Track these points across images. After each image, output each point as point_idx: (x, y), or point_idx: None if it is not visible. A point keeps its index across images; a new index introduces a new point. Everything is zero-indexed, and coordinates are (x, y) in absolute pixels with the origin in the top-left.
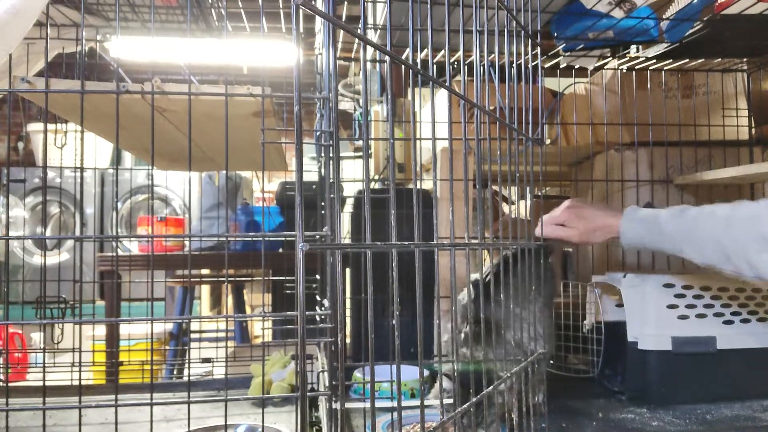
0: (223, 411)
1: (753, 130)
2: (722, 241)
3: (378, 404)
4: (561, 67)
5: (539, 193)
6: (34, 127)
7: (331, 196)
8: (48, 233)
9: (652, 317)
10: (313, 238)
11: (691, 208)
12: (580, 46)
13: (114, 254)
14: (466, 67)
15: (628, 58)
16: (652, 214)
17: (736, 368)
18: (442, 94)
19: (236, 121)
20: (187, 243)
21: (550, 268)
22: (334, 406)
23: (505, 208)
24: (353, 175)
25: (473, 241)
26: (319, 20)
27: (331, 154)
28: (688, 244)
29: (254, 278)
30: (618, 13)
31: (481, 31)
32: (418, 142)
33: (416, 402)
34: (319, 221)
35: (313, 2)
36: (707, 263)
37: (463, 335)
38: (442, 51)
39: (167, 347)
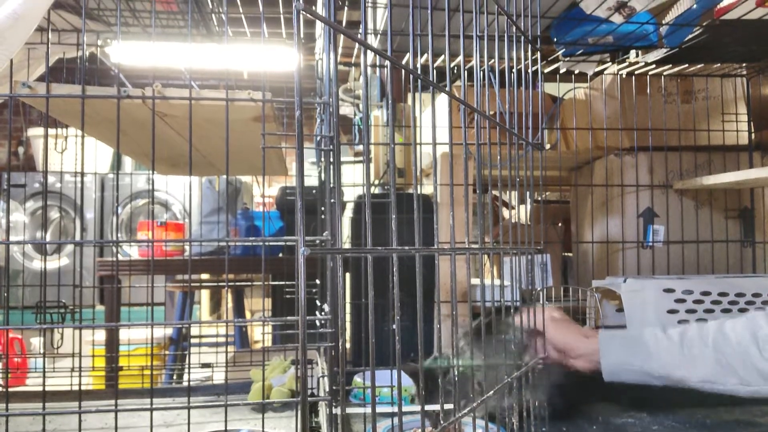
0: (223, 416)
1: (752, 135)
2: (721, 353)
3: (378, 409)
4: (561, 72)
5: (539, 198)
6: (35, 132)
7: (332, 200)
8: (48, 238)
9: (652, 322)
10: (313, 242)
11: (671, 328)
12: (580, 51)
13: (114, 259)
14: (466, 72)
15: (627, 63)
16: (632, 335)
17: None
18: (442, 99)
19: (237, 126)
20: (187, 248)
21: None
22: (334, 411)
23: (506, 212)
24: (353, 180)
25: (473, 246)
26: (319, 25)
27: (331, 159)
28: (684, 361)
29: (254, 283)
30: (617, 18)
31: (481, 36)
32: (418, 146)
33: (416, 407)
34: (319, 226)
35: (314, 7)
36: (706, 379)
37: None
38: (442, 56)
39: (167, 352)
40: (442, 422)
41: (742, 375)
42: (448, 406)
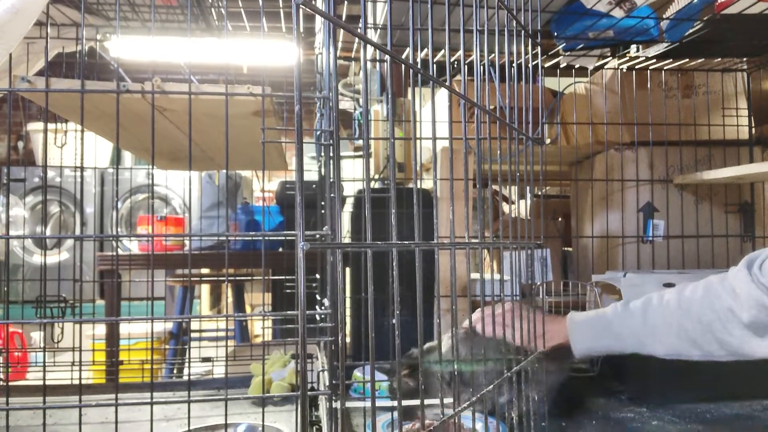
0: (223, 410)
1: (753, 130)
2: (684, 327)
3: (378, 403)
4: (561, 66)
5: (539, 193)
6: (34, 127)
7: (332, 195)
8: (48, 232)
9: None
10: (313, 237)
11: (634, 303)
12: (580, 46)
13: (114, 253)
14: (466, 66)
15: (628, 58)
16: (597, 315)
17: (736, 367)
18: (442, 94)
19: (236, 121)
20: (187, 242)
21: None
22: (334, 405)
23: (506, 207)
24: (353, 175)
25: (473, 240)
26: (319, 20)
27: (331, 154)
28: (650, 340)
29: (254, 277)
30: (618, 13)
31: (482, 31)
32: (418, 141)
33: (416, 401)
34: (319, 220)
35: (314, 2)
36: (672, 353)
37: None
38: (443, 50)
39: (167, 346)
40: (419, 414)
41: (706, 348)
42: (448, 401)
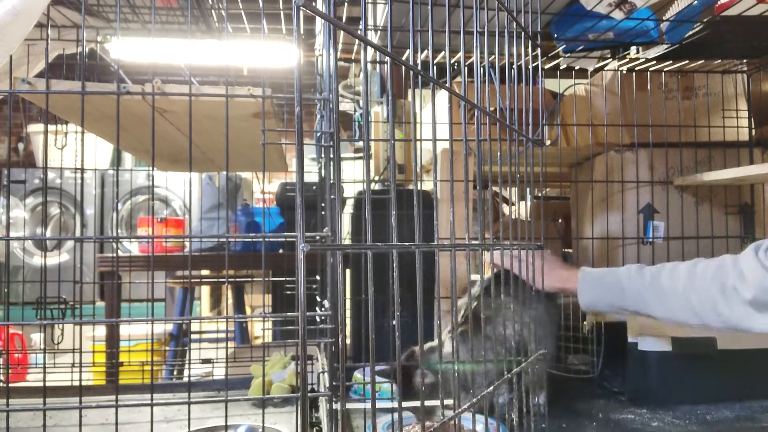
0: (223, 412)
1: (753, 132)
2: (687, 296)
3: (378, 405)
4: (561, 68)
5: (539, 194)
6: (35, 128)
7: (332, 197)
8: (48, 234)
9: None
10: (313, 238)
11: (648, 267)
12: (580, 48)
13: (114, 255)
14: (466, 68)
15: (628, 60)
16: (610, 273)
17: (736, 369)
18: (442, 95)
19: (237, 122)
20: (187, 244)
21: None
22: (334, 406)
23: (506, 209)
24: (353, 176)
25: (474, 242)
26: (319, 21)
27: (331, 155)
28: (653, 300)
29: (254, 279)
30: (618, 15)
31: (482, 33)
32: (418, 143)
33: (416, 403)
34: (319, 222)
35: (314, 3)
36: (673, 319)
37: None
38: (443, 52)
39: (167, 348)
40: (423, 417)
41: (703, 318)
42: (448, 402)
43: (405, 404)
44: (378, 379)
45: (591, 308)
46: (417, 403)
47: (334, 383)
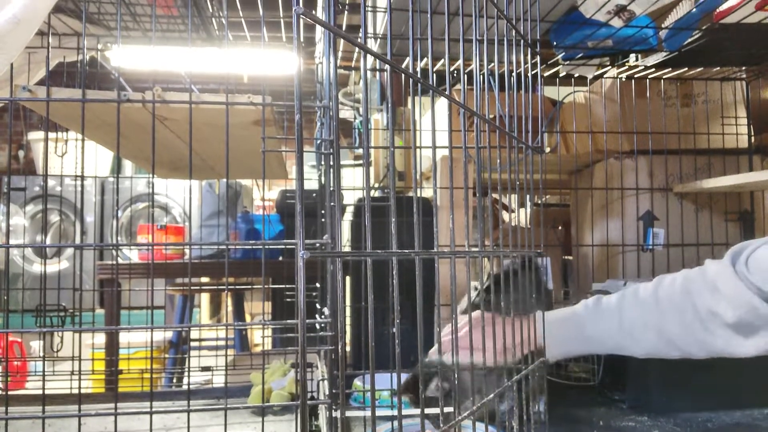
0: (222, 420)
1: (752, 139)
2: (662, 328)
3: (378, 413)
4: (560, 75)
5: (539, 202)
6: (35, 136)
7: (332, 204)
8: (48, 241)
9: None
10: (313, 245)
11: (604, 298)
12: (580, 55)
13: (114, 262)
14: (465, 75)
15: (627, 67)
16: (570, 318)
17: (737, 376)
18: (442, 103)
19: (237, 130)
20: (187, 251)
21: (544, 284)
22: (334, 414)
23: (506, 216)
24: (353, 183)
25: (473, 249)
26: (319, 29)
27: (331, 163)
28: (625, 340)
29: (254, 286)
30: (617, 22)
31: (481, 40)
32: (418, 150)
33: (416, 410)
34: (319, 229)
35: (314, 11)
36: (653, 354)
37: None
38: (442, 60)
39: (167, 355)
40: (441, 425)
41: (685, 349)
42: (448, 410)
43: (405, 412)
44: (378, 386)
45: (558, 359)
46: (417, 411)
47: (333, 391)
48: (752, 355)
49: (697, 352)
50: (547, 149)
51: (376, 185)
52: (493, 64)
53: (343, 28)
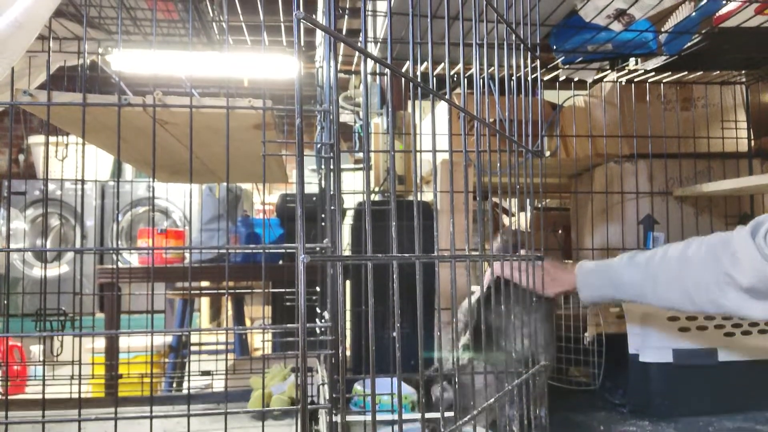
0: (222, 424)
1: (752, 142)
2: (683, 283)
3: (378, 417)
4: (560, 79)
5: (539, 205)
6: (36, 140)
7: (332, 208)
8: (48, 245)
9: (653, 329)
10: (313, 250)
11: (640, 253)
12: (579, 59)
13: (114, 266)
14: (465, 79)
15: (627, 71)
16: (604, 265)
17: (737, 380)
18: (442, 107)
19: (237, 134)
20: (187, 255)
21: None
22: (334, 419)
23: (506, 220)
24: (353, 187)
25: (474, 252)
26: (319, 33)
27: (331, 167)
28: (649, 289)
29: (254, 290)
30: (617, 26)
31: (481, 44)
32: (418, 154)
33: (417, 415)
34: (319, 233)
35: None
36: (669, 306)
37: (462, 344)
38: (442, 64)
39: (167, 360)
40: (443, 430)
41: (699, 305)
42: (449, 414)
43: (405, 416)
44: (379, 391)
45: (590, 302)
46: (417, 415)
47: (334, 395)
48: (761, 318)
49: (710, 308)
50: (547, 153)
51: (377, 189)
52: (493, 68)
53: (344, 32)
